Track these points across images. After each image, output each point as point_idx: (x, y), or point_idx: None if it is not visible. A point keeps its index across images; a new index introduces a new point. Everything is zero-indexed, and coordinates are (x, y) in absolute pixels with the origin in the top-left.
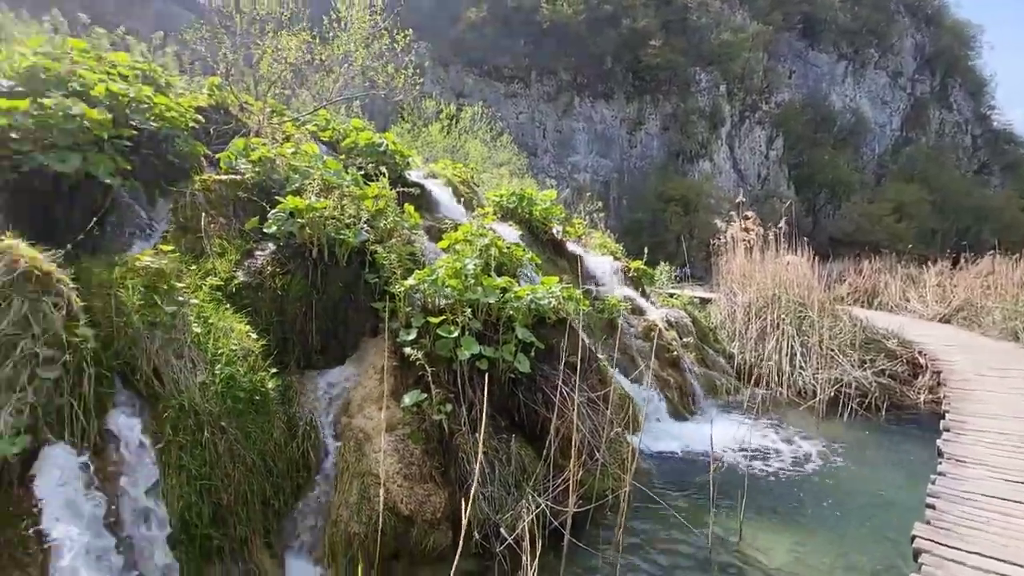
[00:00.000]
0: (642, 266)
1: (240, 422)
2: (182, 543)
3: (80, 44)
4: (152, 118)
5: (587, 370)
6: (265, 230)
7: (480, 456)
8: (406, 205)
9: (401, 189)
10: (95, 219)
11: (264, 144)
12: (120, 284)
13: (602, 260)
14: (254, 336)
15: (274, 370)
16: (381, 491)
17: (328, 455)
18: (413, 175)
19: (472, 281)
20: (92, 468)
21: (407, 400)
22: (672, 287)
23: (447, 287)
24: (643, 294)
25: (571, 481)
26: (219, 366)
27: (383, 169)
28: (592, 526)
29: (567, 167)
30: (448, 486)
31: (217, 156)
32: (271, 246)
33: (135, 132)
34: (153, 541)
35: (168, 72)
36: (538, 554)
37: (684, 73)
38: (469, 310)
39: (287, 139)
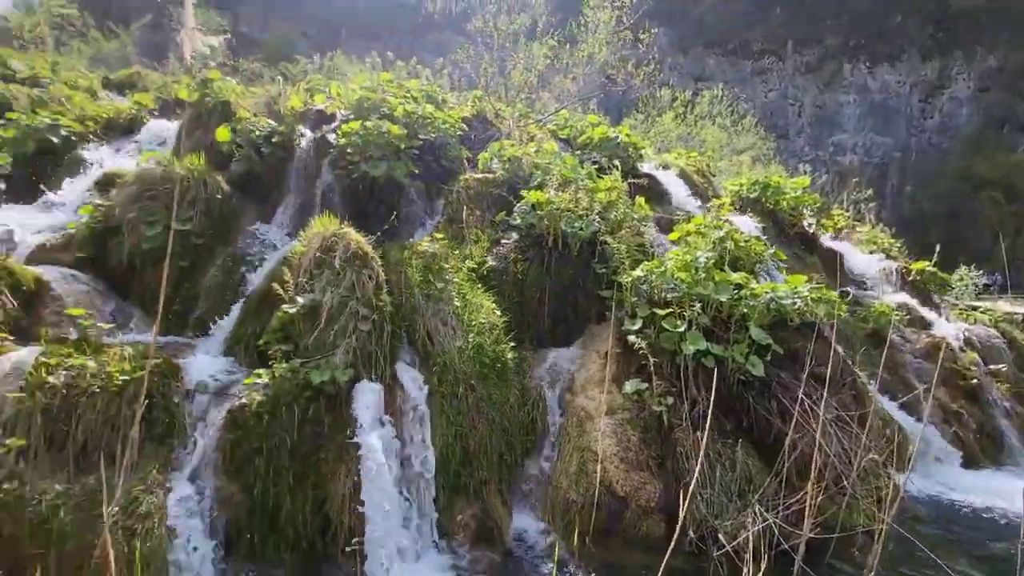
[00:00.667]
0: (929, 268)
1: (485, 384)
2: (441, 473)
3: (387, 76)
4: (433, 130)
5: (838, 384)
6: (511, 221)
7: (701, 455)
8: (637, 197)
9: (632, 181)
10: (394, 213)
11: (513, 145)
12: (408, 263)
13: (869, 259)
14: (498, 313)
15: (512, 344)
16: (598, 467)
17: (552, 426)
18: (645, 166)
19: (703, 275)
20: (386, 401)
21: (628, 387)
22: (978, 298)
23: (676, 280)
24: (929, 303)
25: (808, 504)
26: (472, 335)
27: (616, 162)
28: (832, 560)
29: (827, 149)
30: (664, 478)
31: (476, 158)
32: (515, 235)
33: (420, 142)
34: (423, 464)
35: (443, 90)
36: (762, 570)
37: (1018, 14)
38: (698, 305)
39: (531, 139)
